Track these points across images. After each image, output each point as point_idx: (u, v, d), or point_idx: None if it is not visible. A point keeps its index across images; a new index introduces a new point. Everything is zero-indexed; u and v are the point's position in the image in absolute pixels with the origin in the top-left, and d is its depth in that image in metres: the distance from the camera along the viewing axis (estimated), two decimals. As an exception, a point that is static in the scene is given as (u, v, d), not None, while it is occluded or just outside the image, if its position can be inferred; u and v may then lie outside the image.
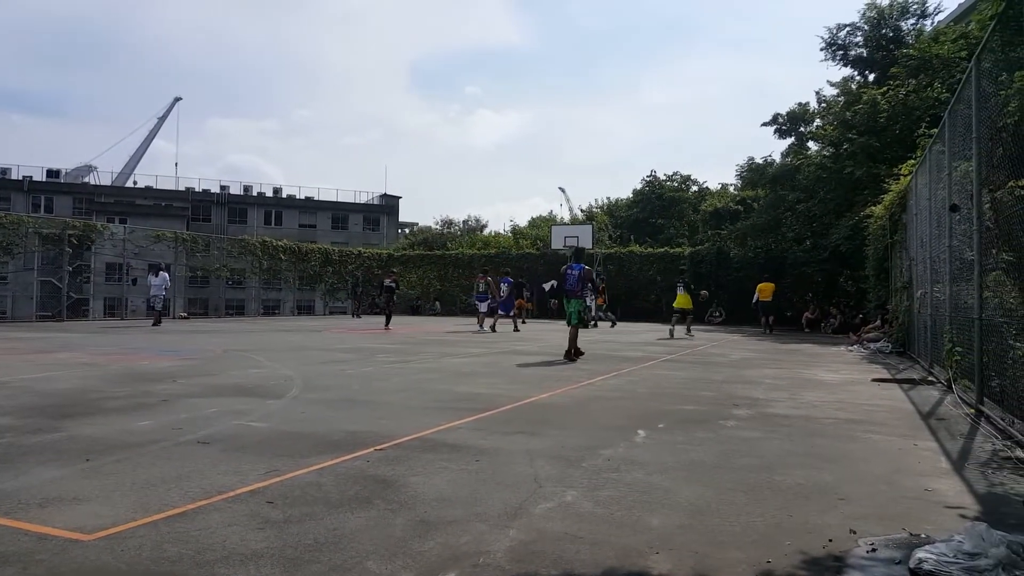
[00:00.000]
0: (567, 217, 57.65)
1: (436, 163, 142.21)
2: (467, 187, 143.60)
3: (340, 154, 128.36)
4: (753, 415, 5.58)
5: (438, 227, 65.95)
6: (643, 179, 49.47)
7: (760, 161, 27.04)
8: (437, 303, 31.00)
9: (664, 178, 49.51)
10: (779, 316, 24.38)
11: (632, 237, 35.54)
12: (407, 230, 73.70)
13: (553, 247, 29.30)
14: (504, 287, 18.40)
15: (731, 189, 44.20)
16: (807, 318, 21.62)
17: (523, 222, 60.30)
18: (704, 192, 47.64)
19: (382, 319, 25.70)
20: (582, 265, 10.02)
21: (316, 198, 62.62)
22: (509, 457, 4.04)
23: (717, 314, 24.82)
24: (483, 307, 17.94)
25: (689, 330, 17.49)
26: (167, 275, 19.37)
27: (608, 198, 54.53)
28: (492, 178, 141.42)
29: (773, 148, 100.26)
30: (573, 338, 9.81)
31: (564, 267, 10.11)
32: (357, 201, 64.32)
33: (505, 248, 34.35)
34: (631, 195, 50.64)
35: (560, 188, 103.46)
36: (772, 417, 5.50)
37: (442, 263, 32.57)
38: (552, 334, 17.02)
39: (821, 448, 4.45)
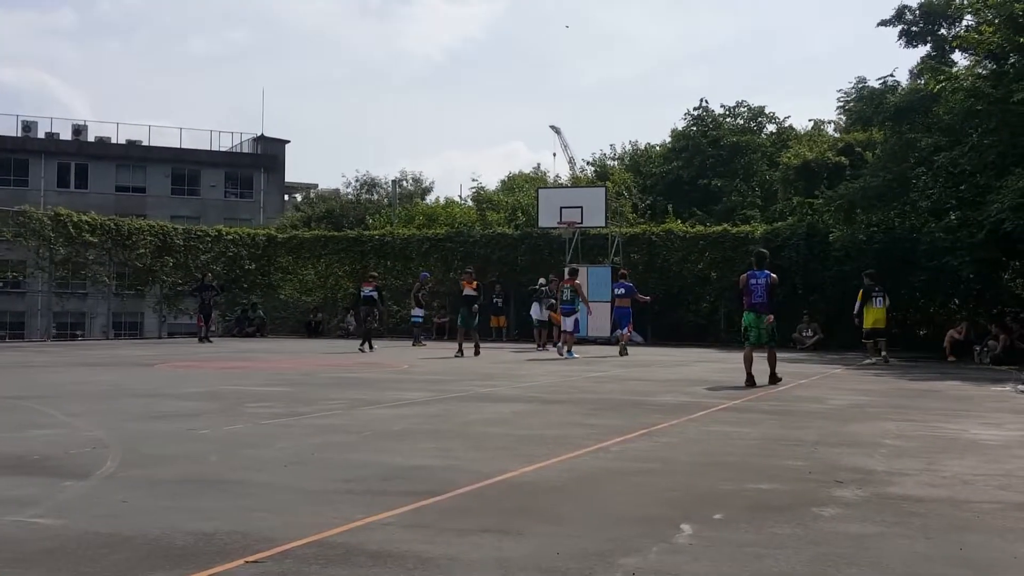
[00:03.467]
0: (564, 175, 57.90)
1: (346, 86, 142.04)
2: (399, 125, 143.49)
3: (185, 68, 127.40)
4: (866, 498, 5.65)
5: (350, 192, 65.96)
6: (687, 114, 49.88)
7: (877, 84, 27.42)
8: (350, 316, 30.89)
9: (722, 112, 50.07)
10: (908, 335, 24.79)
11: (670, 207, 35.70)
12: (299, 196, 73.58)
13: (542, 225, 29.49)
14: (621, 292, 21.61)
15: (829, 129, 44.74)
16: (952, 339, 22.02)
17: (492, 182, 60.28)
18: (786, 135, 48.26)
19: (251, 344, 25.72)
20: (768, 272, 13.17)
21: (146, 143, 62.00)
22: (468, 574, 4.03)
23: (809, 332, 25.15)
24: (569, 324, 20.43)
25: (884, 356, 19.32)
26: None
27: (631, 144, 55.00)
28: (441, 111, 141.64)
29: (897, 63, 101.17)
30: (772, 359, 13.36)
31: (745, 275, 13.41)
32: (215, 148, 63.83)
33: (464, 225, 34.34)
34: (668, 140, 51.10)
35: (553, 128, 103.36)
36: (896, 501, 5.58)
37: (358, 251, 32.56)
38: (540, 366, 17.03)
39: (976, 551, 4.51)
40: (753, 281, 13.17)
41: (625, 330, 21.74)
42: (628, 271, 23.64)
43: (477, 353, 19.94)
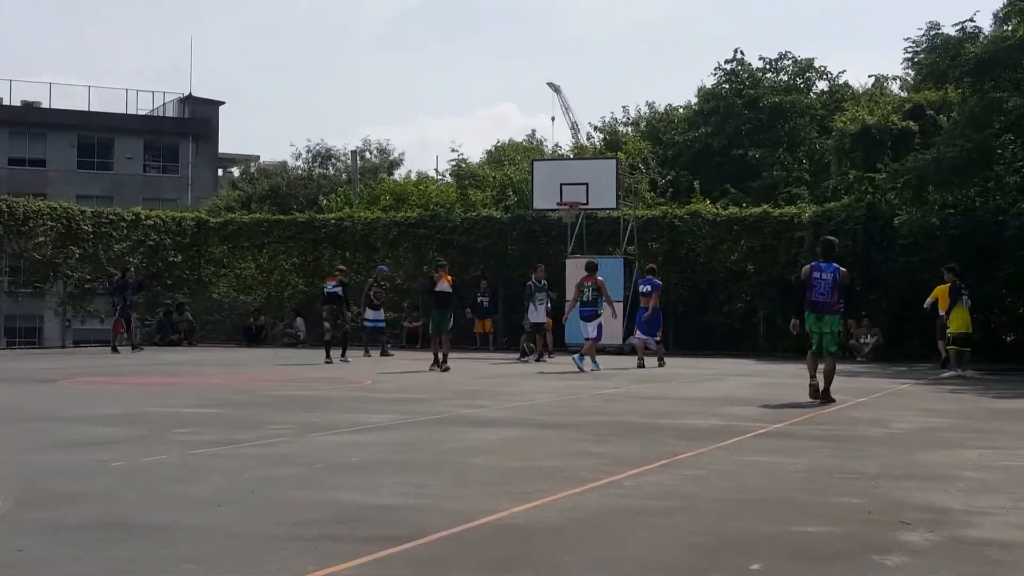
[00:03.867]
0: (565, 144, 57.72)
1: (296, 37, 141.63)
2: (362, 85, 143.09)
3: (96, 17, 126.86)
4: (940, 543, 5.66)
5: (300, 166, 65.84)
6: (718, 68, 49.82)
7: (953, 32, 27.49)
8: (300, 320, 30.84)
9: (761, 66, 50.02)
10: (987, 341, 24.79)
11: (696, 184, 35.72)
12: (236, 171, 73.40)
13: (537, 206, 29.45)
14: (647, 290, 22.11)
15: (894, 88, 44.68)
16: (1046, 347, 22.06)
17: (476, 153, 60.21)
18: (840, 94, 48.26)
19: (176, 355, 25.66)
20: (836, 266, 13.71)
21: (47, 106, 61.75)
22: (448, 636, 4.03)
23: (868, 339, 25.17)
24: (591, 330, 20.54)
25: (965, 369, 19.73)
26: None
27: (648, 106, 55.02)
28: (414, 67, 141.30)
29: (978, 5, 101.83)
30: (830, 373, 13.68)
31: (808, 266, 13.85)
32: (132, 111, 63.67)
33: (441, 207, 34.30)
34: (694, 101, 51.08)
35: (551, 86, 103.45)
36: (976, 546, 5.59)
37: (310, 239, 32.62)
38: (536, 380, 17.01)
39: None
40: (817, 275, 13.58)
41: (655, 337, 22.09)
42: (654, 265, 23.77)
43: (445, 366, 19.71)
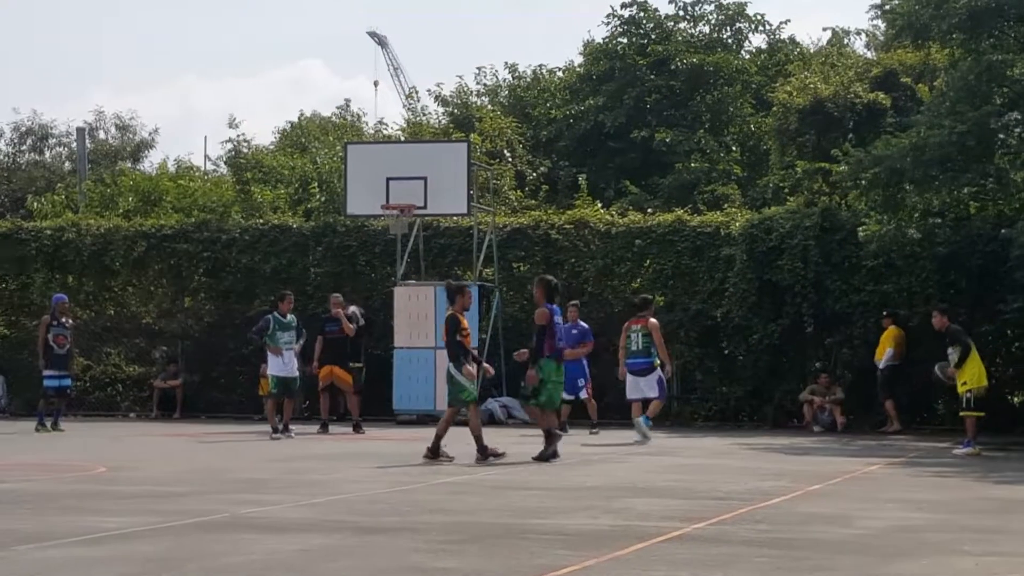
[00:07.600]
0: (394, 120, 57.22)
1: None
2: (88, 29, 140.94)
3: None
4: None
5: (3, 148, 64.39)
6: (611, 14, 49.98)
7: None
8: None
9: (674, 12, 50.44)
10: (994, 403, 25.38)
11: (582, 179, 35.95)
12: None
13: (353, 211, 29.30)
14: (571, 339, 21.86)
15: (858, 46, 45.58)
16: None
17: (263, 133, 59.79)
18: (784, 54, 49.13)
19: None
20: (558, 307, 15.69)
21: None
22: None
23: (826, 399, 25.56)
24: (648, 387, 21.35)
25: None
26: None
27: (509, 69, 55.18)
28: (168, 4, 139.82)
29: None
30: (546, 423, 16.13)
31: (546, 310, 16.17)
32: None
33: (212, 211, 33.86)
34: (578, 61, 51.49)
35: (374, 37, 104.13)
36: None
37: (14, 258, 32.21)
38: (349, 465, 16.90)
39: None
40: (557, 319, 16.18)
41: (582, 392, 22.90)
42: (577, 303, 24.00)
43: (289, 433, 20.05)
